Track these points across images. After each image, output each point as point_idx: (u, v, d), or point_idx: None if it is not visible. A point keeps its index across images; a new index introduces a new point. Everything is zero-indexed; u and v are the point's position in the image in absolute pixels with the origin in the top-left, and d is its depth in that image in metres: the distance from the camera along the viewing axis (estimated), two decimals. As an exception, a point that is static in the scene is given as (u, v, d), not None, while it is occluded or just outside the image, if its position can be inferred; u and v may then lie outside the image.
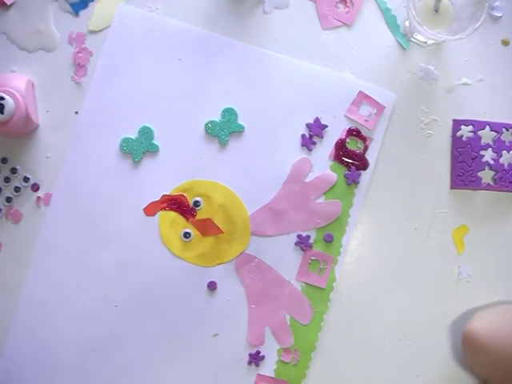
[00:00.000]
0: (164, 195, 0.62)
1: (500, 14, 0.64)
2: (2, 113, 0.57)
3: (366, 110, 0.63)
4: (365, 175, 0.63)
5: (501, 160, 0.63)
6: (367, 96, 0.62)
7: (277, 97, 0.63)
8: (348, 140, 0.63)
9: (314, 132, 0.62)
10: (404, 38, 0.63)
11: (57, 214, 0.62)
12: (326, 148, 0.63)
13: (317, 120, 0.63)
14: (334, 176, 0.62)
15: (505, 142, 0.63)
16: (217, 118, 0.62)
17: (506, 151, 0.63)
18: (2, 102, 0.56)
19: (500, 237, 0.64)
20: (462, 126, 0.63)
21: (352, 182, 0.62)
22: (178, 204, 0.62)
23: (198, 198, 0.62)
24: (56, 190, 0.62)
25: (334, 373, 0.63)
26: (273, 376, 0.62)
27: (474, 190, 0.63)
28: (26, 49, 0.63)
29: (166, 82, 0.62)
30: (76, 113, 0.62)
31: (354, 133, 0.63)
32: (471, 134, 0.63)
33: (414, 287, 0.63)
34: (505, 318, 0.53)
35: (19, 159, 0.63)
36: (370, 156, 0.63)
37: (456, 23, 0.59)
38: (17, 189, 0.62)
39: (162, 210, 0.62)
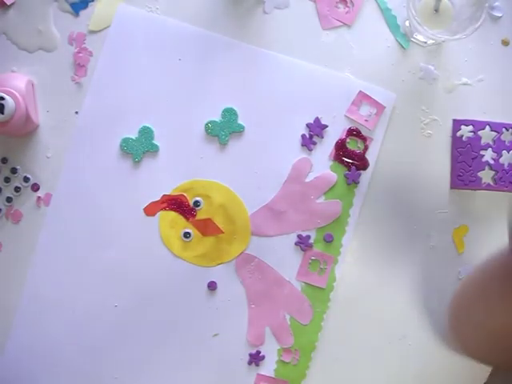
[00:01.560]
0: (164, 195, 0.62)
1: (500, 14, 0.64)
2: (2, 113, 0.57)
3: (366, 109, 0.63)
4: (365, 175, 0.63)
5: (501, 160, 0.63)
6: (367, 96, 0.62)
7: (277, 97, 0.63)
8: (348, 140, 0.63)
9: (314, 132, 0.62)
10: (404, 38, 0.63)
11: (57, 214, 0.62)
12: (326, 148, 0.63)
13: (317, 120, 0.63)
14: (334, 176, 0.62)
15: (505, 141, 0.63)
16: (217, 118, 0.62)
17: (506, 151, 0.63)
18: (2, 102, 0.56)
19: (500, 237, 0.64)
20: (462, 126, 0.63)
21: (352, 181, 0.62)
22: (178, 204, 0.62)
23: (198, 198, 0.62)
24: (56, 190, 0.62)
25: (333, 373, 0.63)
26: (273, 376, 0.62)
27: (474, 190, 0.63)
28: (26, 49, 0.63)
29: (166, 82, 0.62)
30: (76, 113, 0.62)
31: (354, 133, 0.63)
32: (471, 134, 0.63)
33: (414, 287, 0.63)
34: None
35: (19, 159, 0.63)
36: (370, 156, 0.63)
37: (456, 23, 0.59)
38: (17, 189, 0.62)
39: (162, 209, 0.62)
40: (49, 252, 0.62)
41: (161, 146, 0.62)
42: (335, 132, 0.63)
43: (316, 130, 0.62)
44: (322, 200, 0.63)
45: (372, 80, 0.63)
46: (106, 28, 0.63)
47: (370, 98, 0.62)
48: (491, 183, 0.63)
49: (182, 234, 0.62)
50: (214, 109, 0.62)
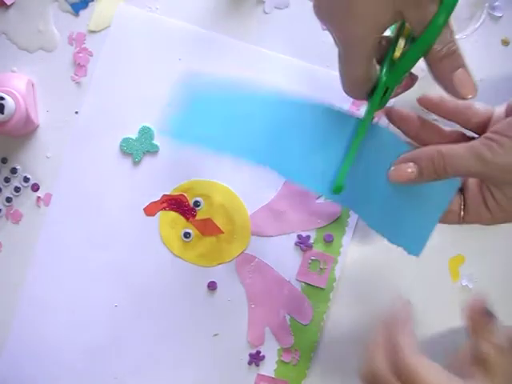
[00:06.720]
0: (164, 195, 0.62)
1: (500, 14, 0.64)
2: (2, 113, 0.57)
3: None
4: (365, 175, 0.63)
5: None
6: (367, 96, 0.62)
7: (277, 97, 0.63)
8: (348, 140, 0.62)
9: (314, 132, 0.62)
10: (404, 38, 0.63)
11: (57, 214, 0.62)
12: (326, 148, 0.63)
13: (317, 120, 0.62)
14: (334, 176, 0.62)
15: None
16: (217, 117, 0.62)
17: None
18: (2, 101, 0.56)
19: (501, 238, 0.63)
20: None
21: (352, 181, 0.62)
22: (178, 204, 0.62)
23: (198, 198, 0.62)
24: (56, 190, 0.62)
25: (334, 373, 0.63)
26: (273, 376, 0.62)
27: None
28: (26, 49, 0.63)
29: (166, 82, 0.62)
30: (76, 113, 0.62)
31: (354, 133, 0.62)
32: (471, 134, 0.63)
33: (415, 287, 0.63)
34: None
35: (19, 159, 0.63)
36: (370, 156, 0.63)
37: (456, 23, 0.59)
38: (17, 189, 0.62)
39: (162, 209, 0.62)
40: (49, 252, 0.62)
41: (161, 146, 0.62)
42: (335, 132, 0.63)
43: (316, 129, 0.62)
44: (322, 200, 0.63)
45: (372, 80, 0.63)
46: (105, 28, 0.63)
47: (370, 97, 0.62)
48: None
49: (182, 234, 0.62)
50: (214, 109, 0.62)
